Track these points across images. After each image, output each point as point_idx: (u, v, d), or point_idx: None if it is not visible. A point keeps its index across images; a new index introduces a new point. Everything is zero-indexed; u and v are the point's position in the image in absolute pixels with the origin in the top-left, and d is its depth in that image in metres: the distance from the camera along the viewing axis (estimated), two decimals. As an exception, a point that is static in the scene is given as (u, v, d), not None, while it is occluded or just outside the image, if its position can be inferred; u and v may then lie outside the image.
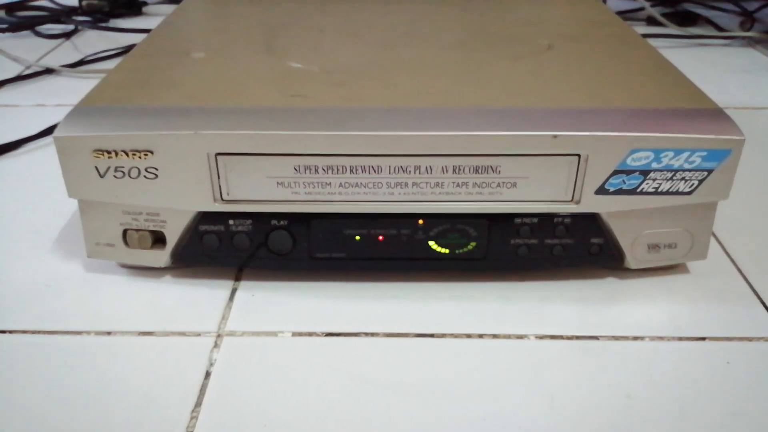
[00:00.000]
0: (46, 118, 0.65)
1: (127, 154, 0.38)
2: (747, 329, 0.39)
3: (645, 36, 0.83)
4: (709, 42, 0.84)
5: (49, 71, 0.76)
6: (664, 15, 0.87)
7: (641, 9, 0.90)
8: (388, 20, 0.56)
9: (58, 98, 0.70)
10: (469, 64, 0.45)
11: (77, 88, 0.73)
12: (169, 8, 1.00)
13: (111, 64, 0.78)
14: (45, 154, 0.58)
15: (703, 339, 0.38)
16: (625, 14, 0.92)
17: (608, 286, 0.42)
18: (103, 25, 0.92)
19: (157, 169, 0.38)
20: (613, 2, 0.98)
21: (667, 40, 0.84)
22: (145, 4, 1.01)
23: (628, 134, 0.37)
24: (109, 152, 0.38)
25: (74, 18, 0.94)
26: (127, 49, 0.82)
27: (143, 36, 0.86)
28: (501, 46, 0.49)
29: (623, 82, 0.43)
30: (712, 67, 0.78)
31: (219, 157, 0.38)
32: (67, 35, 0.89)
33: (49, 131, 0.61)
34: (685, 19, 0.89)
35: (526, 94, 0.41)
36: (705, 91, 0.42)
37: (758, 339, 0.38)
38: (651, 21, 0.88)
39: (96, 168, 0.38)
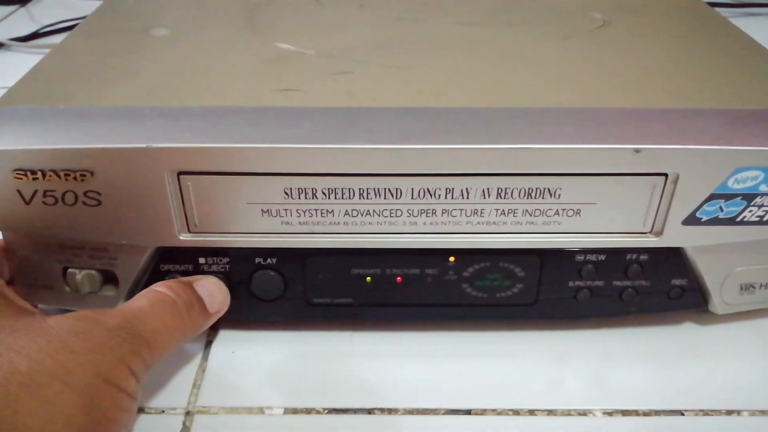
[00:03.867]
0: (-12, 104, 0.55)
1: (58, 176, 0.28)
2: None
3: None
4: (759, 11, 0.74)
5: (-4, 45, 0.65)
6: (703, -21, 0.77)
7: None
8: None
9: (6, 79, 0.59)
10: (508, 46, 0.36)
11: (30, 65, 0.62)
12: (142, -30, 0.89)
13: (70, 37, 0.67)
14: (-18, 151, 0.48)
15: (818, 412, 0.29)
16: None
17: (687, 335, 0.33)
18: (65, -10, 0.80)
19: (99, 194, 0.28)
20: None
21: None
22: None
23: (734, 148, 0.27)
24: (34, 172, 0.28)
25: (32, -19, 0.82)
26: (90, 19, 0.71)
27: (109, 3, 0.75)
28: (544, 20, 0.39)
29: (710, 72, 0.33)
30: (765, 42, 0.68)
31: (182, 177, 0.28)
32: (22, 1, 0.77)
33: (-11, 121, 0.51)
34: (729, -16, 0.78)
35: (590, 89, 0.31)
36: None
37: None
38: (689, -14, 0.77)
39: (19, 192, 0.28)
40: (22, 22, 0.72)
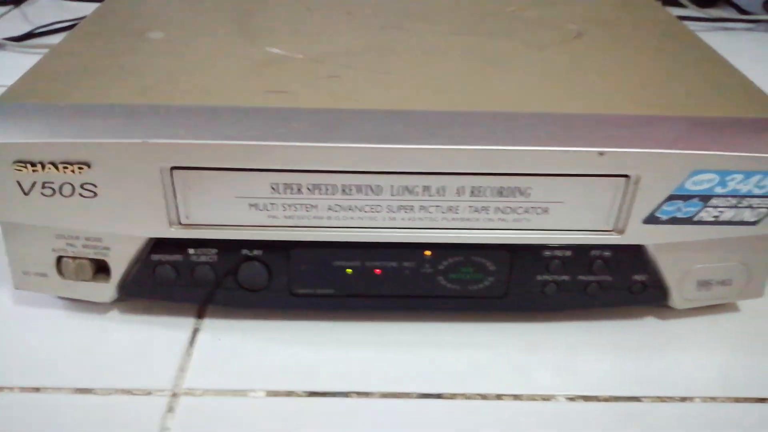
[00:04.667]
0: (-17, 101, 0.56)
1: (56, 167, 0.29)
2: (817, 387, 0.32)
3: (661, 18, 0.75)
4: (731, 26, 0.76)
5: (-9, 44, 0.66)
6: (680, -5, 0.79)
7: (655, -13, 0.83)
8: (385, -4, 0.47)
9: (2, 77, 0.61)
10: (487, 54, 0.38)
11: (25, 65, 0.63)
12: (135, -27, 0.90)
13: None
14: (-23, 146, 0.49)
15: (763, 400, 0.32)
16: (637, -7, 0.84)
17: (648, 329, 0.35)
18: (59, -9, 0.82)
19: (95, 186, 0.30)
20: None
21: (687, 24, 0.76)
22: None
23: (690, 152, 0.30)
24: (33, 164, 0.29)
25: (26, -18, 0.83)
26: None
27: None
28: (522, 30, 0.41)
29: (673, 82, 0.35)
30: (737, 55, 0.70)
31: (175, 172, 0.30)
32: (16, 2, 0.78)
33: (-16, 118, 0.52)
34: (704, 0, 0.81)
35: (561, 95, 0.33)
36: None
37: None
38: (666, 0, 0.80)
39: (18, 183, 0.30)
40: (15, 22, 0.74)
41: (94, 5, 0.77)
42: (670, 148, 0.30)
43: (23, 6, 0.78)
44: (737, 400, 0.32)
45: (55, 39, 0.69)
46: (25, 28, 0.71)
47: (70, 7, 0.77)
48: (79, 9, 0.76)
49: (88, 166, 0.29)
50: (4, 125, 0.30)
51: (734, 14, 0.79)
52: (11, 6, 0.78)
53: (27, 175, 0.30)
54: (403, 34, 0.40)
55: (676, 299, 0.34)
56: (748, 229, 0.32)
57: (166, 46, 0.38)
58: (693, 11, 0.77)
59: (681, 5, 0.77)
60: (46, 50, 0.66)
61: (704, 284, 0.34)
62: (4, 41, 0.67)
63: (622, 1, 0.48)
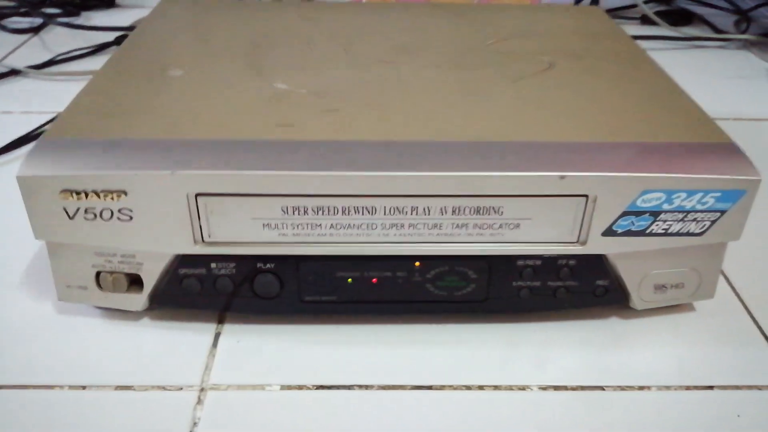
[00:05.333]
0: (11, 128, 0.61)
1: (98, 195, 0.34)
2: (756, 377, 0.37)
3: (638, 37, 0.81)
4: (704, 44, 0.81)
5: (14, 72, 0.72)
6: (657, 13, 0.85)
7: (634, 6, 0.88)
8: (379, 31, 0.52)
9: (26, 104, 0.66)
10: (467, 87, 0.43)
11: (46, 91, 0.69)
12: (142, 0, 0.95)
13: (82, 65, 0.74)
14: (10, 171, 0.55)
15: (711, 388, 0.36)
16: (617, 11, 0.90)
17: (612, 327, 0.40)
18: (74, 21, 0.87)
19: (131, 211, 0.35)
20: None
21: (662, 42, 0.81)
22: (118, -6, 0.96)
23: (640, 174, 0.35)
24: (78, 192, 0.34)
25: (43, 11, 0.88)
26: (100, 48, 0.78)
27: (116, 34, 0.81)
28: (499, 63, 0.46)
29: (631, 110, 0.40)
30: (708, 72, 0.75)
31: (199, 198, 0.35)
32: (35, 30, 0.84)
33: (15, 144, 0.58)
34: (680, 17, 0.86)
35: (530, 125, 0.38)
36: (701, 100, 0.40)
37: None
38: (644, 20, 0.85)
39: (64, 209, 0.35)
40: (35, 49, 0.79)
41: (109, 33, 0.82)
42: (623, 171, 0.35)
43: (42, 34, 0.83)
44: (688, 388, 0.36)
45: (74, 66, 0.74)
46: (44, 56, 0.76)
47: (86, 35, 0.82)
48: (95, 37, 0.82)
49: (125, 193, 0.34)
50: (51, 159, 0.35)
51: (708, 33, 0.84)
52: (30, 34, 0.83)
53: (72, 203, 0.35)
54: (393, 68, 0.45)
55: (635, 301, 0.39)
56: (695, 239, 0.37)
57: (185, 83, 0.43)
58: (667, 30, 0.82)
59: (655, 24, 0.82)
60: (66, 77, 0.72)
61: (660, 288, 0.39)
62: (26, 69, 0.72)
63: (591, 32, 0.53)
